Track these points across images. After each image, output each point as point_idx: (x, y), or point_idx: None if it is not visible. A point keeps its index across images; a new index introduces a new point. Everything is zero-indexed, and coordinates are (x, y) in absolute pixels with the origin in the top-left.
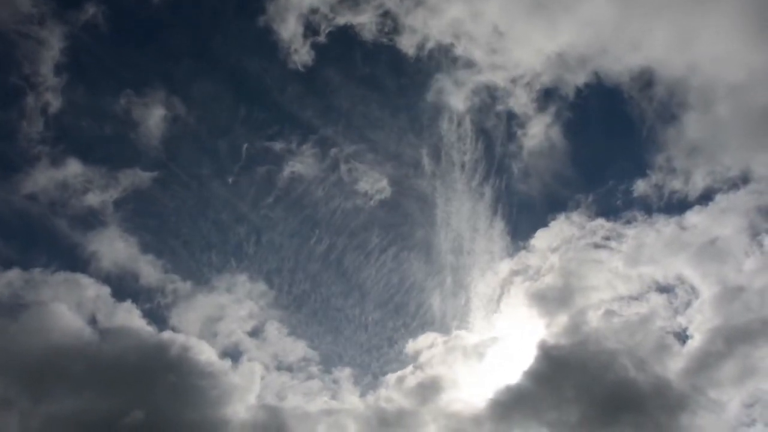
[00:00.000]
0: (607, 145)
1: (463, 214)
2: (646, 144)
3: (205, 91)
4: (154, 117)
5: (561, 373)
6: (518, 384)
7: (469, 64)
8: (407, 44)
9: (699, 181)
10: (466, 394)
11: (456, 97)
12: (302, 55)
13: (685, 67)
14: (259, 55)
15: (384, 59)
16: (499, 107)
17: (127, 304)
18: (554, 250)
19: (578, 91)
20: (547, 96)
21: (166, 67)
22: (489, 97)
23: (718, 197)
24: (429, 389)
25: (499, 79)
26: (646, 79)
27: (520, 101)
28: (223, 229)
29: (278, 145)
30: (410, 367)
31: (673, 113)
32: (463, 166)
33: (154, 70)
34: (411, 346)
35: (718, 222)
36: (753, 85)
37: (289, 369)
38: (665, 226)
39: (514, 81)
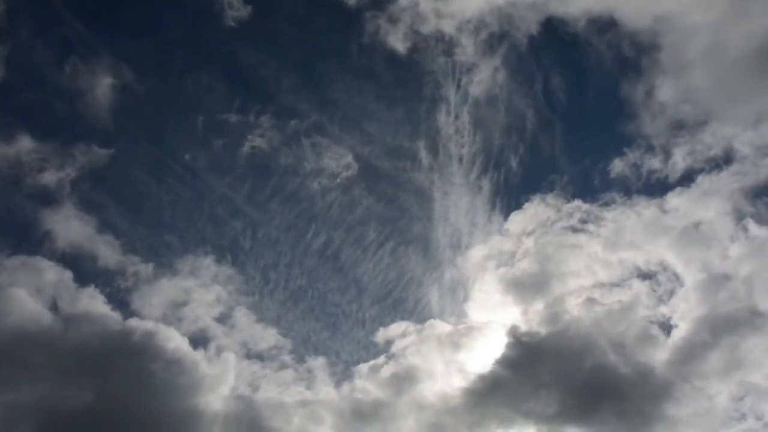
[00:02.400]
0: (575, 113)
1: (461, 208)
2: (616, 109)
3: (156, 60)
4: (102, 86)
5: (537, 363)
6: (499, 374)
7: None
8: None
9: (679, 161)
10: (439, 384)
11: (394, 37)
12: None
13: (652, 18)
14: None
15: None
16: (445, 57)
17: (90, 290)
18: (529, 234)
19: (531, 39)
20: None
21: (113, 32)
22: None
23: (700, 178)
24: (404, 379)
25: (445, 26)
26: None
27: (468, 51)
28: (184, 210)
29: (236, 117)
30: (383, 357)
31: (641, 71)
32: (461, 159)
33: (100, 35)
34: (382, 334)
35: (701, 205)
36: (728, 33)
37: (260, 357)
38: (645, 209)
39: (460, 28)
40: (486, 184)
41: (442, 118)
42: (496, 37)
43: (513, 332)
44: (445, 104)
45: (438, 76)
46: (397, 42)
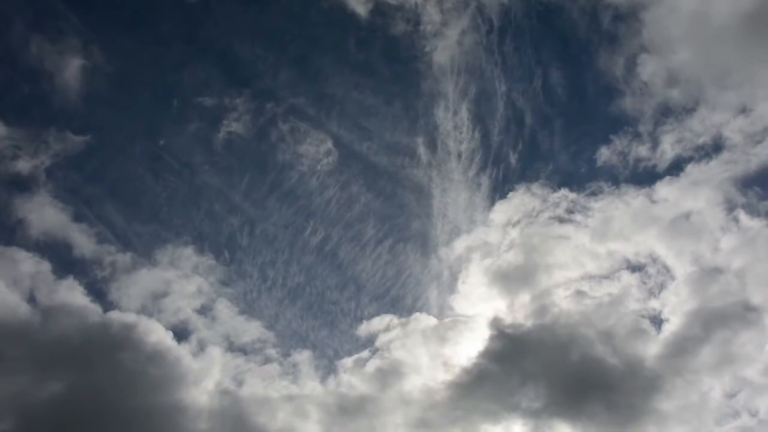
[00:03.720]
0: (557, 97)
1: (460, 204)
2: (600, 93)
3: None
4: (71, 68)
5: (524, 357)
6: (486, 368)
7: None
8: None
9: (668, 150)
10: (425, 379)
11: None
12: None
13: None
14: None
15: None
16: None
17: (69, 281)
18: (515, 225)
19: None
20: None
21: (86, 11)
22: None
23: (689, 167)
24: (390, 374)
25: None
26: None
27: (434, 19)
28: (165, 199)
29: (211, 101)
30: (367, 351)
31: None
32: (459, 155)
33: (70, 13)
34: (365, 328)
35: (691, 195)
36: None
37: (243, 351)
38: (634, 199)
39: None
40: (485, 180)
41: (441, 114)
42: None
43: (495, 325)
44: (443, 100)
45: (403, 44)
46: (359, 5)
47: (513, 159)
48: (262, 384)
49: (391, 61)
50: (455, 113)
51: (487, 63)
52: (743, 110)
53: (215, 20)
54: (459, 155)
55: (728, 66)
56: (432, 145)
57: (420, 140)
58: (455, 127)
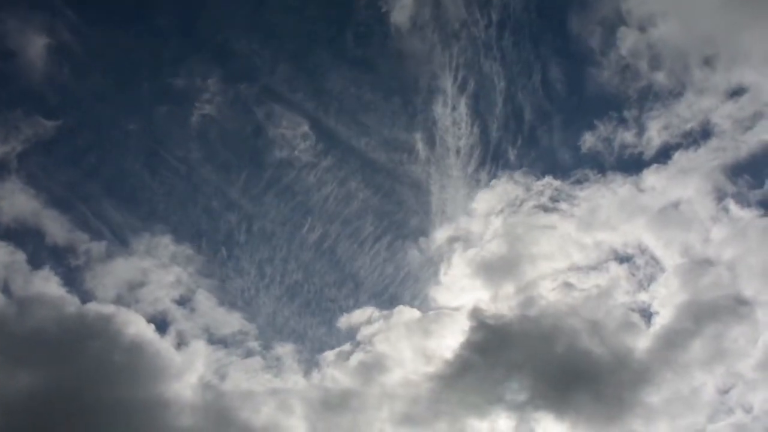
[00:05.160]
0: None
1: (459, 201)
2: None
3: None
4: (37, 46)
5: (509, 349)
6: (469, 361)
7: None
8: None
9: (654, 136)
10: (408, 373)
11: None
12: None
13: None
14: None
15: None
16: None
17: (45, 271)
18: (497, 214)
19: None
20: None
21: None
22: None
23: (677, 155)
24: (373, 367)
25: None
26: None
27: None
28: (141, 187)
29: (183, 83)
30: (348, 345)
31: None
32: (458, 151)
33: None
34: (345, 320)
35: (679, 183)
36: None
37: (224, 343)
38: (620, 187)
39: None
40: (484, 176)
41: (439, 110)
42: None
43: (480, 317)
44: (442, 95)
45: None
46: None
47: (512, 155)
48: (245, 377)
49: (389, 57)
50: (454, 108)
51: (486, 58)
52: (732, 94)
53: (212, 14)
54: (458, 151)
55: (715, 39)
56: (430, 141)
57: (418, 136)
58: (454, 123)
